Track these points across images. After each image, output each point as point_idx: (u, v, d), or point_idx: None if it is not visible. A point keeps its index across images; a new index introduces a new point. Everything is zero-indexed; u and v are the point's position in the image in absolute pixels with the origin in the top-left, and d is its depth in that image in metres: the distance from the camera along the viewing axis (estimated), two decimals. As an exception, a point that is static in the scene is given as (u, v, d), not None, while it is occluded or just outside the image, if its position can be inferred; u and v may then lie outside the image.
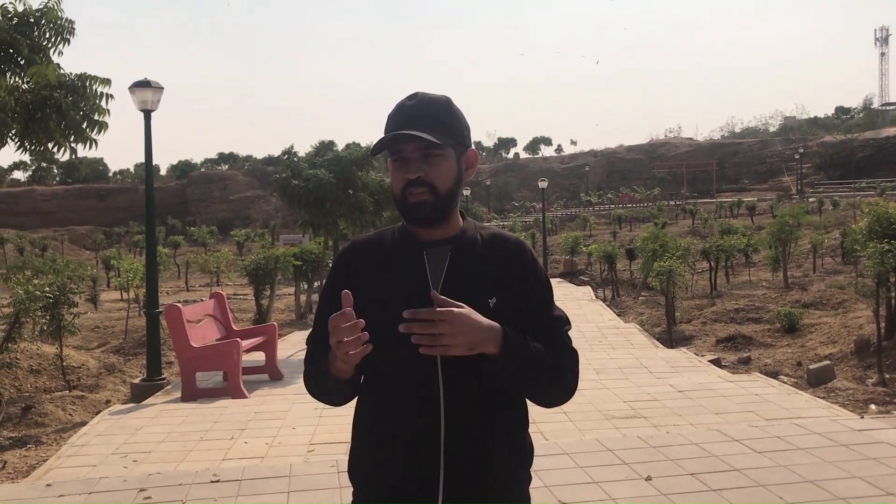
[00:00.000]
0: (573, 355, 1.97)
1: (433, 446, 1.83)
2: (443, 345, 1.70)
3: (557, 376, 1.93)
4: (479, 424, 1.86)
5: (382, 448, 1.89)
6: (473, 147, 2.03)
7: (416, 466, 1.85)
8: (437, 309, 1.71)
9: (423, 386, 1.85)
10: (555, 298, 2.04)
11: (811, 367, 9.10)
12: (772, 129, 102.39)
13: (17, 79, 7.79)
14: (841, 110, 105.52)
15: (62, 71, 7.92)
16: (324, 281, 2.08)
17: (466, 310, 1.75)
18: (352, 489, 2.01)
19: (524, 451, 2.01)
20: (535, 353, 1.85)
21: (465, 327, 1.72)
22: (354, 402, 2.02)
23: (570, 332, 2.01)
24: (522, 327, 1.89)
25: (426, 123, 1.87)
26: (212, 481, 5.45)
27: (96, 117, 8.14)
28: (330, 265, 2.08)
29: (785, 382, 8.57)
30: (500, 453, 1.90)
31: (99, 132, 8.23)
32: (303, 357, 2.09)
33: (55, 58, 8.02)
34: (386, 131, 1.91)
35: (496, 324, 1.79)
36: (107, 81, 8.16)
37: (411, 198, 1.88)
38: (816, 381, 8.66)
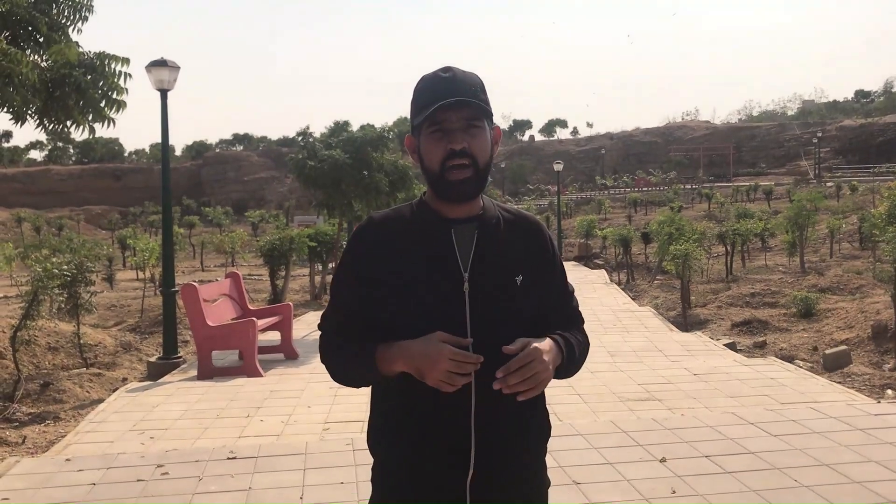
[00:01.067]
0: (582, 325, 2.09)
1: (463, 421, 1.84)
2: (541, 382, 1.77)
3: (584, 358, 2.04)
4: (506, 399, 1.84)
5: (412, 423, 1.89)
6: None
7: (445, 441, 1.85)
8: (525, 351, 1.75)
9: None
10: (568, 281, 2.08)
11: (827, 351, 9.06)
12: (790, 113, 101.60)
13: (36, 56, 7.81)
14: (861, 94, 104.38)
15: (81, 50, 7.94)
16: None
17: (536, 341, 1.79)
18: (372, 463, 2.01)
19: (546, 427, 2.05)
20: (576, 349, 1.95)
21: (548, 356, 1.79)
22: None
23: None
24: (543, 304, 1.94)
25: (469, 94, 1.85)
26: (228, 458, 5.50)
27: (114, 96, 8.16)
28: (344, 246, 2.06)
29: (801, 367, 8.54)
30: (528, 426, 1.95)
31: (117, 111, 8.25)
32: (318, 337, 2.07)
33: (74, 35, 8.05)
34: (422, 103, 1.86)
35: (547, 338, 1.86)
36: (126, 60, 8.18)
37: (453, 173, 1.85)
38: (832, 365, 8.62)
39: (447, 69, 1.89)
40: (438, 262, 1.87)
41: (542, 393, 1.98)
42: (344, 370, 1.96)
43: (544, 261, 1.99)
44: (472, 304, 1.84)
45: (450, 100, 1.81)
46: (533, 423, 1.97)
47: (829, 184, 53.41)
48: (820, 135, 71.82)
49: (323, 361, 2.00)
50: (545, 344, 1.80)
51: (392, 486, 1.95)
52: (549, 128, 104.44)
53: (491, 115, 1.92)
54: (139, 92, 10.48)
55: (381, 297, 1.88)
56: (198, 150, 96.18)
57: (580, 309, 2.11)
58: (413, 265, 1.88)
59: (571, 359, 1.92)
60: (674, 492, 4.63)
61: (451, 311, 1.83)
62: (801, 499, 4.46)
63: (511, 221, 1.99)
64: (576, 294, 2.11)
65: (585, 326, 2.10)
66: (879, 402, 6.72)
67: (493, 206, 2.01)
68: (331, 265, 18.96)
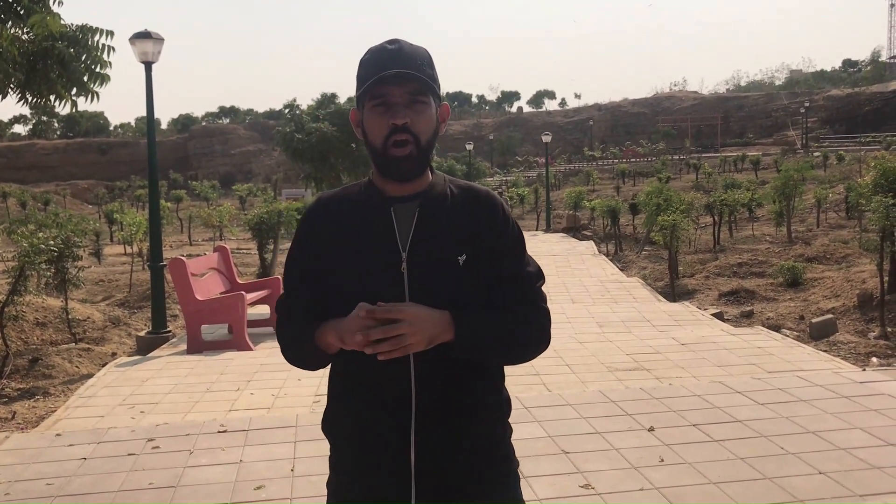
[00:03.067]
0: (542, 314, 1.91)
1: (404, 402, 1.81)
2: (404, 346, 1.68)
3: (521, 342, 1.89)
4: (448, 377, 1.83)
5: (355, 404, 1.88)
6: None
7: (387, 423, 1.83)
8: (393, 304, 1.69)
9: None
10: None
11: (814, 320, 9.13)
12: (777, 83, 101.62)
13: (17, 29, 7.69)
14: (848, 63, 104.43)
15: (63, 21, 7.81)
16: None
17: (417, 305, 1.73)
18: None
19: (499, 406, 1.95)
20: (491, 329, 1.81)
21: (422, 323, 1.70)
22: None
23: (543, 287, 1.95)
24: (493, 282, 1.85)
25: (414, 68, 1.78)
26: (219, 431, 5.51)
27: (98, 70, 8.06)
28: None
29: (787, 336, 8.61)
30: (472, 405, 1.86)
31: (101, 84, 8.15)
32: None
33: (55, 8, 7.92)
34: (366, 75, 1.80)
35: (445, 311, 1.75)
36: (109, 33, 8.06)
37: (395, 150, 1.79)
38: (819, 334, 8.69)
39: (394, 41, 1.83)
40: (378, 242, 1.83)
41: (496, 370, 1.95)
42: (291, 350, 1.93)
43: (494, 237, 1.88)
44: (412, 284, 1.80)
45: (390, 71, 1.76)
46: (481, 402, 1.89)
47: (816, 154, 53.59)
48: (807, 104, 71.93)
49: (278, 343, 1.99)
50: (424, 309, 1.72)
51: (340, 470, 1.95)
52: (538, 99, 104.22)
53: (437, 91, 1.86)
54: (123, 65, 10.42)
55: (323, 277, 1.86)
56: (184, 123, 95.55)
57: (551, 285, 2.00)
58: (354, 245, 1.85)
59: (483, 339, 1.80)
60: (662, 460, 4.67)
61: (389, 291, 1.78)
62: (787, 466, 4.51)
63: (460, 197, 1.91)
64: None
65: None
66: (864, 369, 6.78)
67: (444, 182, 1.93)
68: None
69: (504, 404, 1.97)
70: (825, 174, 37.85)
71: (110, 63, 8.18)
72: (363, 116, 1.85)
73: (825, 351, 7.82)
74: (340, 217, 1.90)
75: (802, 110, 70.81)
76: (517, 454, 2.00)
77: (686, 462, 4.64)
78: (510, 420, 2.00)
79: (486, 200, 1.92)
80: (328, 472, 2.02)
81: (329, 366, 1.95)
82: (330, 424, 1.97)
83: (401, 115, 1.78)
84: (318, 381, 6.86)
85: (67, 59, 7.71)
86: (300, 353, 1.91)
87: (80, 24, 8.12)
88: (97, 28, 8.10)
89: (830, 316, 9.22)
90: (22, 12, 7.52)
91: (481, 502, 1.87)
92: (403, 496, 1.83)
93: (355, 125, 1.92)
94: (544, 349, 1.94)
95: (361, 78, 1.82)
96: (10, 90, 7.81)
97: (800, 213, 23.88)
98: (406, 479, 1.82)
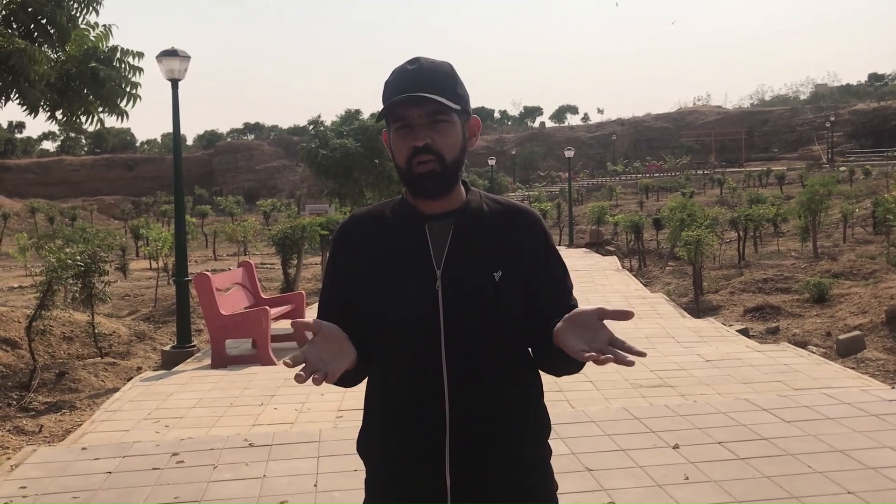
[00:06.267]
0: None
1: (438, 421, 1.79)
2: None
3: None
4: (483, 396, 1.81)
5: (389, 425, 1.86)
6: (475, 115, 1.95)
7: (421, 442, 1.81)
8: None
9: (427, 360, 1.80)
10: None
11: (841, 337, 9.02)
12: (802, 97, 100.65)
13: (50, 51, 7.83)
14: (874, 77, 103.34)
15: (96, 34, 7.93)
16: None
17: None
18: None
19: (539, 425, 1.94)
20: None
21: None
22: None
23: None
24: (534, 303, 1.84)
25: (433, 88, 1.77)
26: (248, 445, 5.53)
27: (129, 90, 8.19)
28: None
29: (814, 352, 8.51)
30: (509, 427, 1.84)
31: (132, 105, 8.28)
32: None
33: (92, 26, 8.06)
34: (386, 98, 1.81)
35: None
36: (139, 55, 8.20)
37: (419, 167, 1.79)
38: (846, 351, 8.59)
39: (414, 60, 1.83)
40: (412, 260, 1.83)
41: (535, 388, 1.94)
42: None
43: (534, 255, 1.88)
44: (446, 301, 1.79)
45: (401, 96, 1.76)
46: (519, 418, 1.87)
47: (841, 168, 52.98)
48: (833, 119, 71.21)
49: None
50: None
51: (376, 492, 1.93)
52: (560, 114, 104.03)
53: (462, 105, 1.83)
54: (150, 82, 10.53)
55: (357, 294, 1.86)
56: (209, 139, 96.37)
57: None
58: (388, 263, 1.84)
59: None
60: (687, 478, 4.63)
61: (423, 309, 1.79)
62: (814, 485, 4.46)
63: (497, 214, 1.90)
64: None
65: None
66: (894, 387, 6.69)
67: (480, 199, 1.92)
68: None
69: (543, 426, 1.95)
70: (851, 189, 37.42)
71: (139, 84, 8.31)
72: (391, 137, 1.86)
73: (853, 368, 7.72)
74: (374, 234, 1.90)
75: (828, 125, 70.12)
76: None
77: (711, 480, 4.59)
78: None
79: (526, 217, 1.93)
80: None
81: (365, 384, 1.95)
82: (365, 445, 1.96)
83: (421, 137, 1.78)
84: (340, 397, 6.88)
85: (103, 77, 7.83)
86: None
87: (110, 45, 8.27)
88: (128, 49, 8.24)
89: (858, 332, 9.10)
90: (55, 33, 7.65)
91: None
92: None
93: (387, 146, 1.93)
94: None
95: (384, 100, 1.83)
96: (42, 109, 7.95)
97: (826, 228, 23.65)
98: (442, 502, 1.80)
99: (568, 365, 1.80)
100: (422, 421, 1.81)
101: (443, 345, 1.78)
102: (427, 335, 1.79)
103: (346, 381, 1.87)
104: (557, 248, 1.98)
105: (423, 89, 1.76)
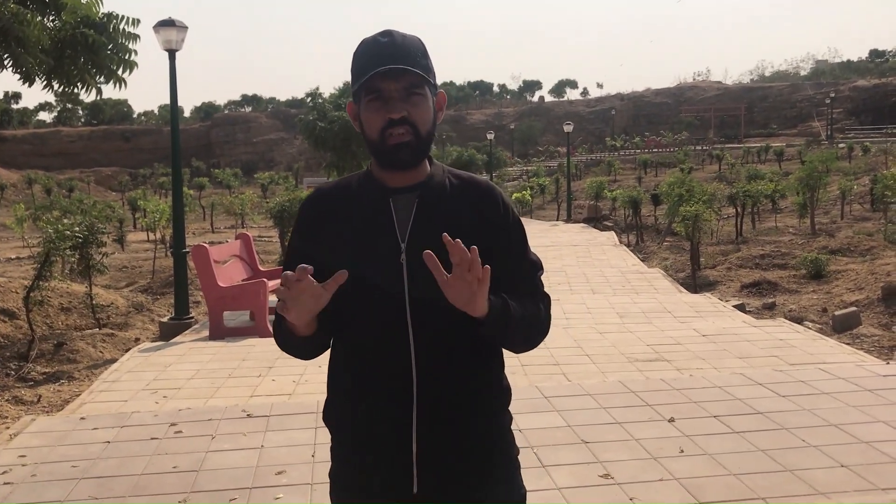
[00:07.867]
0: (547, 303, 1.96)
1: (405, 391, 1.81)
2: (468, 294, 1.65)
3: (532, 329, 1.91)
4: (450, 367, 1.83)
5: (357, 394, 1.87)
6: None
7: (388, 411, 1.83)
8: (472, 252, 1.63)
9: (393, 332, 1.81)
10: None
11: (837, 313, 9.06)
12: (803, 73, 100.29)
13: (44, 18, 7.76)
14: (875, 53, 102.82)
15: (87, 0, 7.86)
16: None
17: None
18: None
19: (501, 394, 1.96)
20: (514, 316, 1.80)
21: (481, 284, 1.66)
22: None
23: (542, 277, 1.96)
24: (498, 273, 1.81)
25: (408, 61, 1.77)
26: (244, 416, 5.56)
27: (125, 56, 8.12)
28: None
29: (810, 328, 8.55)
30: (473, 394, 1.87)
31: (128, 72, 8.22)
32: None
33: None
34: (360, 70, 1.79)
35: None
36: (135, 21, 8.12)
37: (392, 139, 1.79)
38: (842, 327, 8.62)
39: (386, 33, 1.82)
40: (377, 233, 1.84)
41: (497, 359, 1.95)
42: (280, 336, 1.92)
43: (495, 228, 1.89)
44: (410, 274, 1.80)
45: (384, 67, 1.75)
46: (484, 390, 1.90)
47: (841, 145, 52.90)
48: (833, 95, 70.98)
49: (273, 335, 1.99)
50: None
51: (342, 459, 1.95)
52: (559, 88, 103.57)
53: (432, 81, 1.85)
54: (147, 53, 10.46)
55: (321, 268, 1.83)
56: (207, 111, 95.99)
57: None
58: (352, 236, 1.85)
59: (508, 320, 1.78)
60: (682, 451, 4.67)
61: (388, 282, 1.80)
62: (808, 458, 4.49)
63: (459, 188, 1.91)
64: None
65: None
66: (888, 363, 6.73)
67: (443, 172, 1.93)
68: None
69: (505, 392, 1.98)
70: (850, 165, 37.38)
71: (135, 51, 8.25)
72: (360, 110, 1.85)
73: (848, 344, 7.76)
74: (339, 208, 1.90)
75: (828, 101, 69.90)
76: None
77: (706, 453, 4.63)
78: (511, 409, 2.01)
79: (487, 191, 1.93)
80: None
81: (328, 357, 1.96)
82: (330, 414, 1.97)
83: (397, 110, 1.78)
84: (338, 369, 6.90)
85: (97, 44, 7.77)
86: (287, 341, 1.90)
87: (105, 11, 8.20)
88: (123, 16, 8.17)
89: (854, 308, 9.14)
90: (49, 1, 7.58)
91: (484, 490, 1.89)
92: (406, 486, 1.84)
93: (353, 118, 1.92)
94: (544, 337, 1.98)
95: (356, 72, 1.82)
96: (37, 77, 7.89)
97: (824, 204, 23.64)
98: (408, 469, 1.83)
99: (491, 333, 1.81)
100: (390, 390, 1.82)
101: (408, 316, 1.80)
102: (393, 308, 1.80)
103: (306, 349, 1.89)
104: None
105: (400, 62, 1.76)
